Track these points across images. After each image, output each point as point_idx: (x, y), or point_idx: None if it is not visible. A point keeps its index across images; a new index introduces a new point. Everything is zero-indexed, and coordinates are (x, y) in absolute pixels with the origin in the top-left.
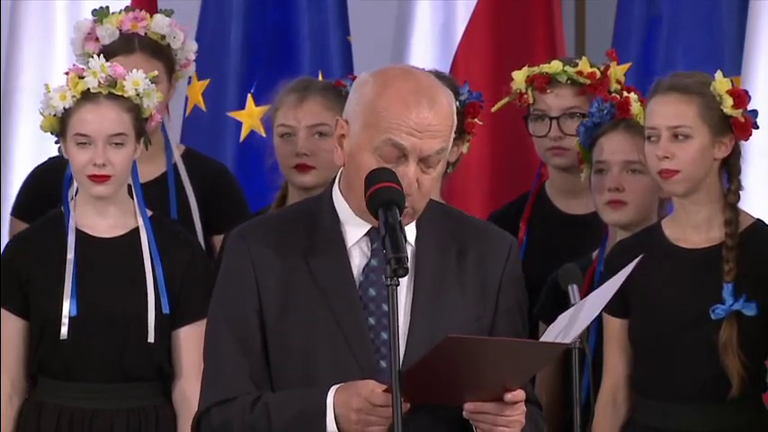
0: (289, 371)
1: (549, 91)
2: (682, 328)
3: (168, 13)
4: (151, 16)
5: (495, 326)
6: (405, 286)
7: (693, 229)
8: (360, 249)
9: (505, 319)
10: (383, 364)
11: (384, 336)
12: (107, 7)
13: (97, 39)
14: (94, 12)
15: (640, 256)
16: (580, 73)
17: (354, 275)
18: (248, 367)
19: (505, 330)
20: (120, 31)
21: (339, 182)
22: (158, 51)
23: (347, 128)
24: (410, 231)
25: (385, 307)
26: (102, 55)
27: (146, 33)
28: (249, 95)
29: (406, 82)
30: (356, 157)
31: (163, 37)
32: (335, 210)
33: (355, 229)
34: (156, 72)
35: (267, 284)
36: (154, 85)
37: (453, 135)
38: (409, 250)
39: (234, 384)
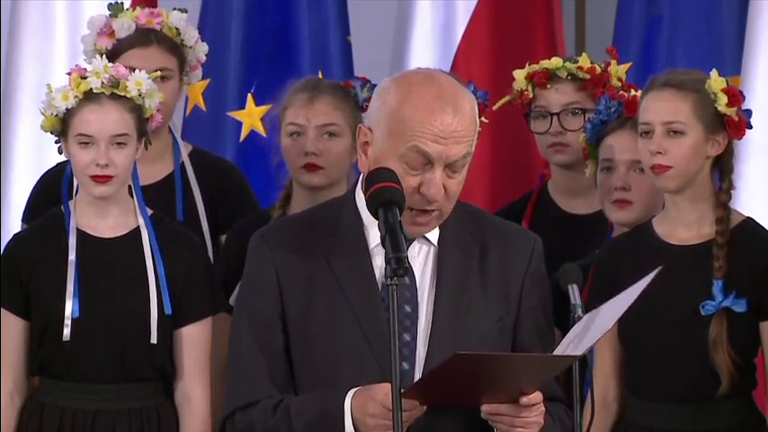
0: (311, 372)
1: (549, 87)
2: (672, 325)
3: (183, 11)
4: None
5: (518, 325)
6: (427, 287)
7: (684, 226)
8: (382, 251)
9: (530, 317)
10: (405, 365)
11: (406, 337)
12: (122, 3)
13: (110, 34)
14: (110, 6)
15: (659, 269)
16: (580, 68)
17: (377, 277)
18: (271, 370)
19: (529, 329)
20: (136, 25)
21: (362, 184)
22: (174, 47)
23: (371, 135)
24: (433, 232)
25: (407, 308)
26: (114, 50)
27: (161, 29)
28: (249, 95)
29: (430, 88)
30: (381, 165)
31: (178, 33)
32: (359, 211)
33: (378, 231)
34: (158, 72)
35: (290, 287)
36: (156, 85)
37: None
38: (432, 251)
39: (257, 388)
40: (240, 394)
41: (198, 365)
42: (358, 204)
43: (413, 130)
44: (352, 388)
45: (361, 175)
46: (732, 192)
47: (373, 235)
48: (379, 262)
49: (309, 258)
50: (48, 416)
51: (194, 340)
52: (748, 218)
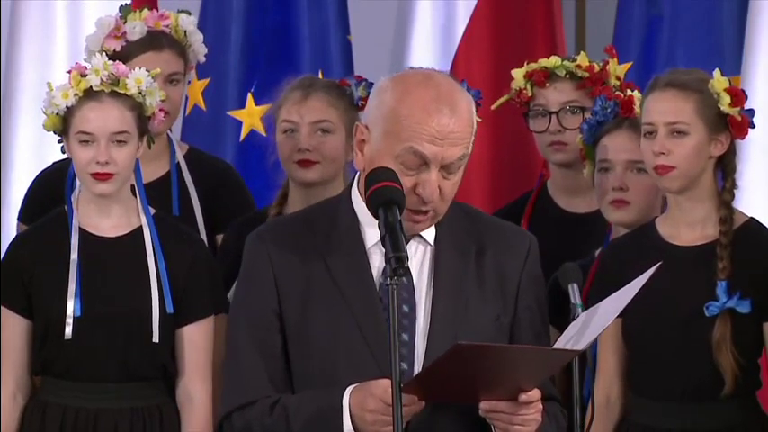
0: (308, 372)
1: (548, 85)
2: (676, 325)
3: (188, 13)
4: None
5: (515, 324)
6: (425, 287)
7: (687, 226)
8: (379, 250)
9: (526, 316)
10: (404, 365)
11: (404, 336)
12: (129, 4)
13: (117, 36)
14: (122, 7)
15: (658, 264)
16: (579, 67)
17: (374, 277)
18: (268, 370)
19: (526, 328)
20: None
21: (358, 183)
22: (182, 50)
23: (367, 133)
24: (429, 232)
25: (405, 308)
26: (125, 52)
27: (169, 32)
28: (249, 95)
29: (427, 89)
30: (377, 164)
31: (185, 36)
32: (355, 211)
33: (374, 231)
34: (158, 70)
35: (287, 286)
36: (156, 83)
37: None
38: (428, 251)
39: (254, 388)
40: (237, 394)
41: (200, 365)
42: (354, 203)
43: (409, 131)
44: (350, 385)
45: (358, 173)
46: (735, 191)
47: (370, 234)
48: (376, 262)
49: (306, 258)
50: (50, 415)
51: (196, 340)
52: (751, 218)
